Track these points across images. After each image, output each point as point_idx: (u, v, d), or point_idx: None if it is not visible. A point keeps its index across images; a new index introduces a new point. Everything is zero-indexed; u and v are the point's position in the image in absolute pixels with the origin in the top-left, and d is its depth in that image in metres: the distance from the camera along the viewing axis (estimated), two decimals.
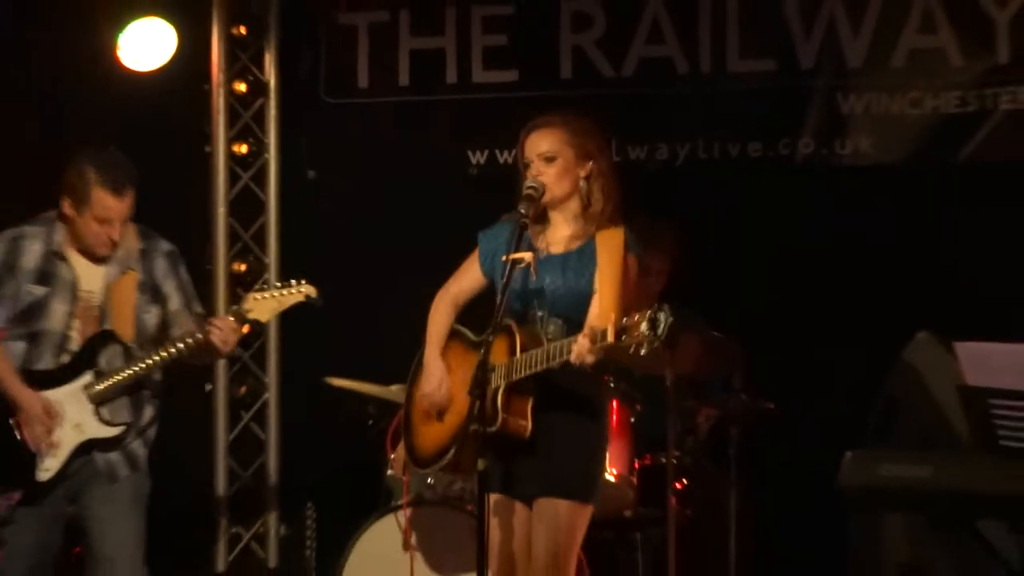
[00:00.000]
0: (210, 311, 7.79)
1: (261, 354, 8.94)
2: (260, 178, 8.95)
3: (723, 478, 7.42)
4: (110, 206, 6.31)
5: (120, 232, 6.42)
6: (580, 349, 5.46)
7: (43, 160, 6.89)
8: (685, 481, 7.41)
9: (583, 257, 5.88)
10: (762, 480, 7.52)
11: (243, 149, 8.90)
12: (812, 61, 8.12)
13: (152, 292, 6.54)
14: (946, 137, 7.97)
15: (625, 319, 5.37)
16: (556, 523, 5.79)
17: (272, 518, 8.93)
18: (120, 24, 8.47)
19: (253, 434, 8.98)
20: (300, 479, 8.99)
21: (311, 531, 8.80)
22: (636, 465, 7.20)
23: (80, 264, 6.45)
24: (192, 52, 8.69)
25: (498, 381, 5.73)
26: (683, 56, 8.28)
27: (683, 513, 7.26)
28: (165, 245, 6.63)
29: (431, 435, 6.09)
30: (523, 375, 5.66)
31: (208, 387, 8.85)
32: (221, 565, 8.90)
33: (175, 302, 6.58)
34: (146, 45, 8.53)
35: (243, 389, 8.91)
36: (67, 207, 6.36)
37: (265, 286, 7.50)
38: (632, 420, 7.18)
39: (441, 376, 6.01)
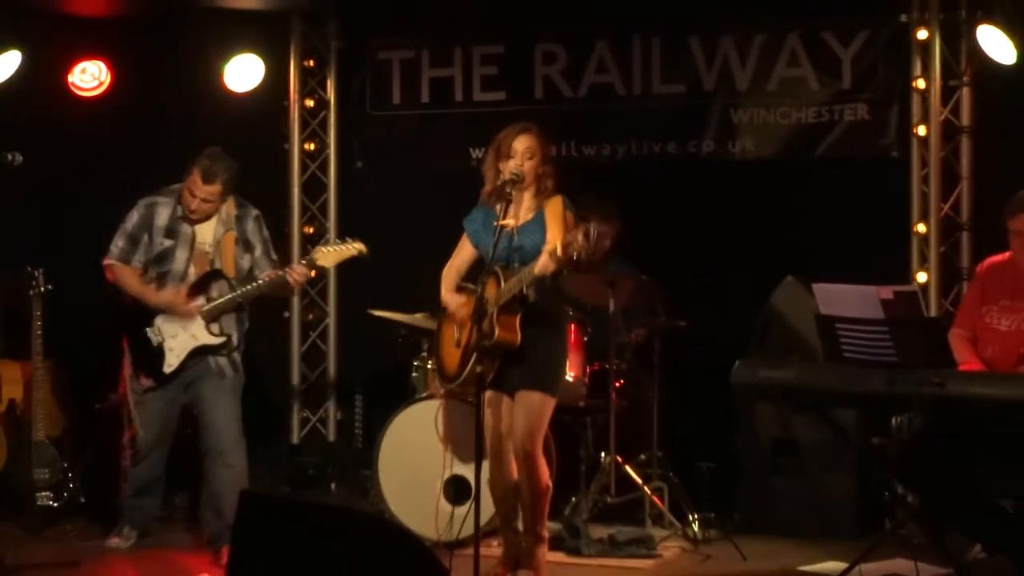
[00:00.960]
0: (287, 259, 8.58)
1: (324, 291, 9.68)
2: (323, 167, 9.69)
3: (648, 378, 7.96)
4: (198, 186, 7.10)
5: (217, 205, 7.19)
6: (543, 262, 6.11)
7: (176, 151, 7.67)
8: (622, 381, 7.88)
9: (538, 221, 6.47)
10: (676, 379, 7.93)
11: (311, 147, 9.67)
12: (712, 85, 8.77)
13: (244, 244, 7.29)
14: (806, 139, 8.63)
15: (568, 236, 6.03)
16: (531, 409, 6.40)
17: (331, 406, 9.72)
18: (226, 59, 9.03)
19: (318, 347, 9.73)
20: (351, 379, 9.63)
21: (359, 416, 9.52)
22: (588, 370, 7.77)
23: (197, 224, 7.24)
24: (276, 78, 9.34)
25: (492, 308, 6.27)
26: (621, 82, 8.93)
27: (620, 403, 7.76)
28: (253, 211, 7.37)
29: (452, 360, 6.58)
30: (508, 298, 6.25)
31: (286, 314, 9.58)
32: (295, 439, 9.64)
33: (259, 251, 7.32)
34: (243, 74, 9.10)
35: (311, 316, 9.71)
36: (185, 178, 7.13)
37: (328, 242, 8.24)
38: (585, 338, 7.67)
39: (459, 301, 6.55)
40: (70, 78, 9.34)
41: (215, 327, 7.25)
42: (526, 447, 6.46)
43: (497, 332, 6.31)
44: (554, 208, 6.51)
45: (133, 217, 7.30)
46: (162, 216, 7.29)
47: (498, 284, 6.37)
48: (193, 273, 7.25)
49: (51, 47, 9.13)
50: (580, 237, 5.98)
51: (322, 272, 8.34)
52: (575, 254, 6.04)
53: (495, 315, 6.33)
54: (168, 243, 7.27)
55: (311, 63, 9.62)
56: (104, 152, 9.02)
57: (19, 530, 7.63)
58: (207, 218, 7.25)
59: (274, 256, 7.42)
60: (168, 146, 7.64)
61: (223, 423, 7.28)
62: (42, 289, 7.83)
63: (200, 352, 7.24)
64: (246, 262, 7.33)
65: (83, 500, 8.04)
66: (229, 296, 7.21)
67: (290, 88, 9.57)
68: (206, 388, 7.29)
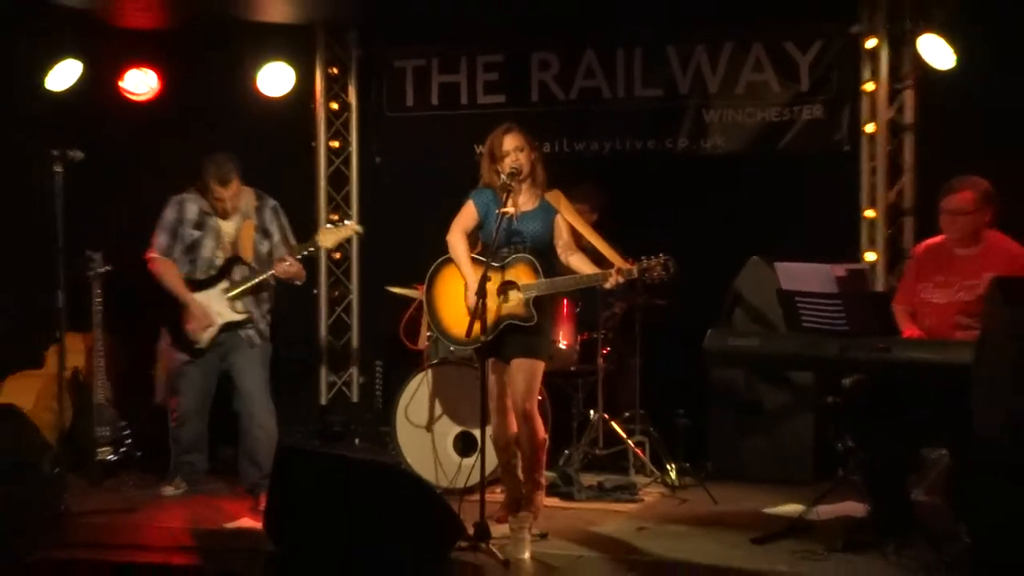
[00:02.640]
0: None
1: (348, 271, 9.61)
2: (346, 162, 9.61)
3: (631, 346, 7.96)
4: (218, 191, 7.22)
5: (240, 198, 7.27)
6: (614, 280, 6.29)
7: (217, 148, 7.43)
8: (608, 348, 7.90)
9: (539, 211, 6.54)
10: (655, 346, 7.92)
11: (336, 144, 9.60)
12: (687, 89, 8.72)
13: (263, 232, 7.35)
14: (769, 136, 8.58)
15: (644, 261, 6.22)
16: (528, 373, 6.48)
17: (355, 371, 9.63)
18: (258, 66, 9.03)
19: (343, 320, 9.66)
20: (372, 347, 9.54)
21: (379, 379, 9.32)
22: (579, 339, 7.81)
23: (221, 218, 7.33)
24: (304, 84, 9.31)
25: (530, 294, 6.38)
26: (607, 86, 8.88)
27: (607, 368, 7.85)
28: (271, 202, 7.40)
29: (460, 324, 6.43)
30: (550, 292, 6.37)
31: (315, 291, 9.48)
32: (324, 400, 9.61)
33: (277, 238, 7.40)
34: (275, 80, 9.09)
35: (336, 292, 9.63)
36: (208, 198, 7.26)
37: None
38: (576, 311, 7.77)
39: (477, 274, 6.35)
40: (123, 84, 9.33)
41: (239, 305, 7.33)
42: (525, 405, 6.51)
43: (536, 315, 6.44)
44: (564, 205, 6.60)
45: (169, 214, 7.37)
46: (191, 211, 7.37)
47: (536, 274, 6.45)
48: (219, 258, 7.32)
49: (106, 57, 9.12)
50: (659, 269, 6.24)
51: (338, 247, 8.61)
52: (653, 281, 6.32)
53: (531, 301, 6.43)
54: (197, 234, 7.36)
55: (335, 70, 9.59)
56: (153, 149, 8.98)
57: (82, 481, 7.62)
58: (236, 211, 7.32)
59: (292, 241, 7.44)
60: (210, 144, 7.44)
61: (253, 389, 7.35)
62: (100, 270, 7.88)
63: (226, 328, 7.32)
64: (265, 247, 7.39)
65: (138, 454, 8.09)
66: (249, 281, 7.28)
67: (316, 93, 9.55)
68: (239, 358, 7.37)
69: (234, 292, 7.30)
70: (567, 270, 6.60)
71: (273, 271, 7.25)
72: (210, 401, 7.53)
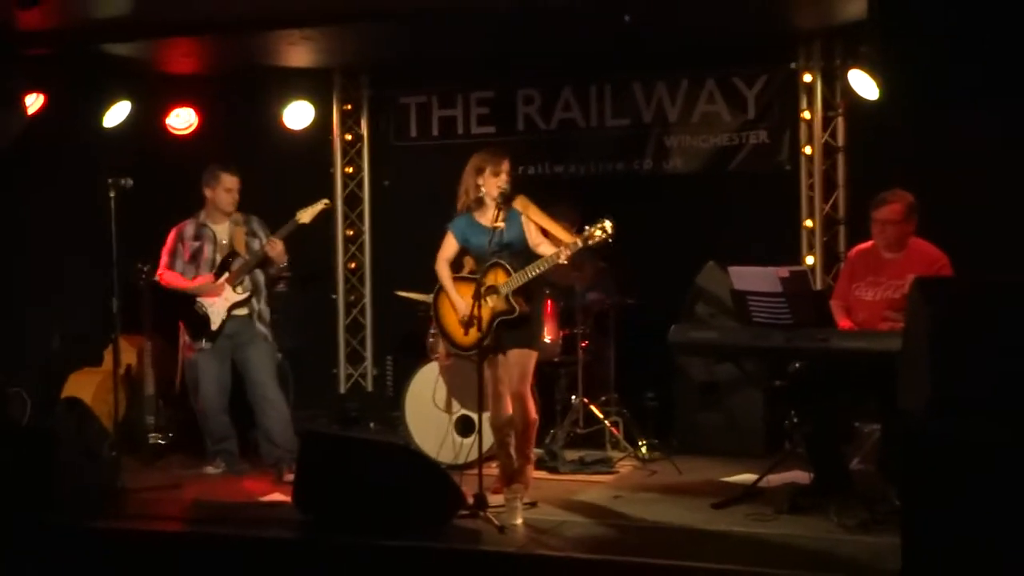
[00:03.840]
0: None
1: (361, 278, 9.54)
2: (359, 185, 9.57)
3: (606, 339, 7.98)
4: (229, 180, 7.34)
5: (236, 201, 7.37)
6: (565, 254, 6.17)
7: (248, 175, 7.59)
8: (586, 342, 7.87)
9: (512, 220, 6.41)
10: (627, 340, 7.94)
11: (350, 169, 9.56)
12: (650, 119, 8.69)
13: (252, 233, 7.40)
14: (721, 158, 8.55)
15: (586, 229, 6.11)
16: (522, 361, 6.44)
17: (369, 365, 9.57)
18: (284, 104, 9.06)
19: (358, 320, 9.60)
20: (384, 343, 9.50)
21: (390, 371, 9.37)
22: (561, 333, 7.78)
23: (215, 227, 7.40)
24: (322, 119, 9.30)
25: (506, 290, 6.31)
26: (582, 117, 8.86)
27: (585, 358, 7.83)
28: (255, 217, 7.46)
29: (461, 332, 6.52)
30: (524, 281, 6.27)
31: (333, 296, 9.51)
32: (342, 390, 9.55)
33: (263, 237, 7.34)
34: (298, 116, 9.10)
35: (352, 297, 9.57)
36: (208, 192, 7.35)
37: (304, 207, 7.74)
38: (559, 309, 7.76)
39: (464, 302, 6.47)
40: (167, 121, 9.32)
41: (240, 288, 7.34)
42: (520, 389, 6.47)
43: (519, 307, 6.37)
44: (528, 206, 6.50)
45: (169, 241, 7.49)
46: (188, 230, 7.47)
47: (508, 273, 6.37)
48: (219, 258, 7.38)
49: (152, 97, 9.10)
50: (599, 232, 6.09)
51: (353, 257, 8.71)
52: (598, 244, 6.16)
53: (512, 295, 6.36)
54: (196, 244, 7.42)
55: (349, 107, 9.59)
56: (193, 177, 8.59)
57: (135, 462, 7.62)
58: (231, 212, 7.38)
59: (273, 238, 7.39)
60: (243, 171, 7.49)
61: (266, 379, 7.35)
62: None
63: (233, 307, 7.32)
64: (256, 244, 7.41)
65: (184, 439, 8.06)
66: (245, 267, 7.31)
67: (333, 126, 9.55)
68: (252, 351, 7.36)
69: (231, 275, 7.34)
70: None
71: (267, 250, 7.26)
72: (228, 394, 7.48)
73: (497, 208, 6.38)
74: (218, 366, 7.39)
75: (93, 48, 8.18)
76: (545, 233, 6.50)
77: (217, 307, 7.34)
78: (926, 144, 7.56)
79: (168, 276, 7.44)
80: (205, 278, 7.33)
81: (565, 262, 6.27)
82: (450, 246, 6.67)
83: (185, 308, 7.38)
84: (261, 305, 7.44)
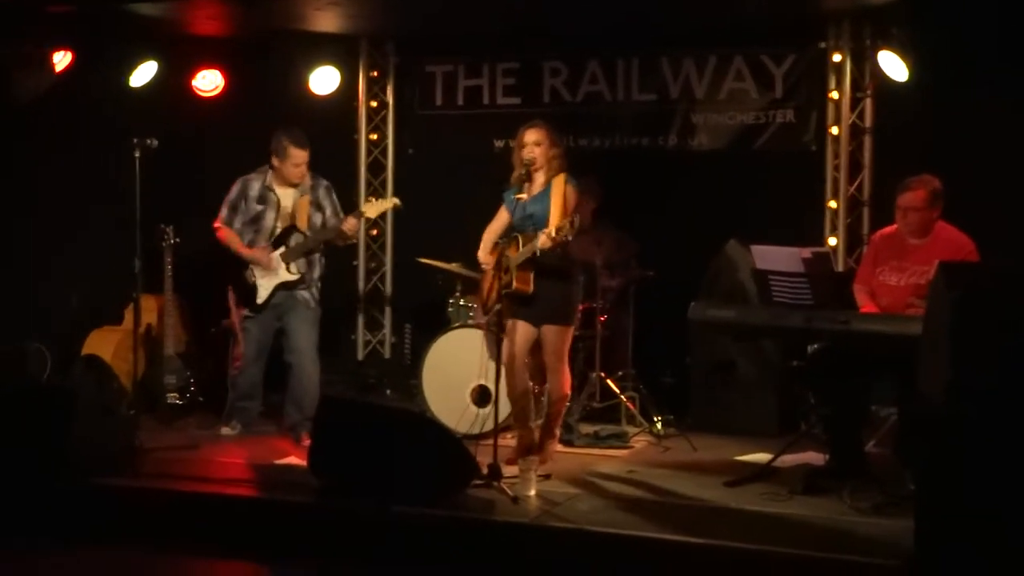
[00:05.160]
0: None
1: (383, 245, 9.66)
2: (383, 153, 9.61)
3: (625, 314, 8.02)
4: (298, 155, 7.25)
5: (304, 172, 7.30)
6: (542, 240, 6.15)
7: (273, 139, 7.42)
8: (605, 316, 7.85)
9: (544, 194, 6.47)
10: (646, 315, 7.97)
11: (374, 137, 9.59)
12: (677, 94, 8.70)
13: (317, 206, 7.35)
14: (747, 136, 8.56)
15: (559, 223, 6.09)
16: (556, 337, 6.49)
17: (387, 332, 9.69)
18: (310, 69, 8.99)
19: (378, 287, 9.71)
20: (403, 311, 9.59)
21: (408, 339, 9.44)
22: (580, 307, 7.41)
23: (281, 192, 7.33)
24: (348, 85, 9.27)
25: (512, 265, 6.41)
26: (609, 91, 8.87)
27: (604, 333, 7.79)
28: (324, 181, 7.41)
29: (487, 299, 6.74)
30: (522, 259, 6.32)
31: (355, 263, 9.57)
32: (360, 356, 9.65)
33: (329, 211, 7.36)
34: (324, 81, 9.05)
35: (373, 264, 9.66)
36: (275, 161, 7.25)
37: (371, 198, 8.15)
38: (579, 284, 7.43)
39: (491, 259, 6.66)
40: (193, 83, 9.34)
41: (293, 267, 7.30)
42: (554, 364, 6.51)
43: (514, 284, 6.39)
44: (557, 186, 6.49)
45: (233, 191, 7.39)
46: (254, 188, 7.37)
47: (517, 248, 6.42)
48: (279, 228, 7.33)
49: (179, 58, 9.12)
50: (568, 225, 6.02)
51: (375, 224, 8.86)
52: (565, 237, 6.08)
53: (513, 271, 6.39)
54: (260, 207, 7.36)
55: (375, 74, 9.59)
56: (218, 139, 8.97)
57: (153, 422, 7.66)
58: (300, 183, 7.30)
59: (341, 216, 7.42)
60: (267, 135, 7.45)
61: (305, 346, 7.35)
62: (171, 241, 7.87)
63: (281, 288, 7.31)
64: (318, 219, 7.37)
65: (201, 400, 8.12)
66: (301, 242, 7.27)
67: (359, 93, 9.55)
68: (294, 318, 7.34)
69: (286, 252, 7.32)
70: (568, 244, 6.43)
71: (336, 232, 7.26)
72: (267, 354, 7.49)
73: (520, 180, 6.44)
74: (260, 332, 7.42)
75: (121, 7, 8.16)
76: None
77: (266, 281, 7.33)
78: (954, 127, 7.52)
79: (225, 233, 7.38)
80: (263, 251, 7.29)
81: (543, 248, 6.22)
82: (499, 217, 6.73)
83: (235, 273, 7.38)
84: (314, 289, 7.42)
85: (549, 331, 6.51)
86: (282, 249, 7.31)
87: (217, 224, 7.40)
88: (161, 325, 8.15)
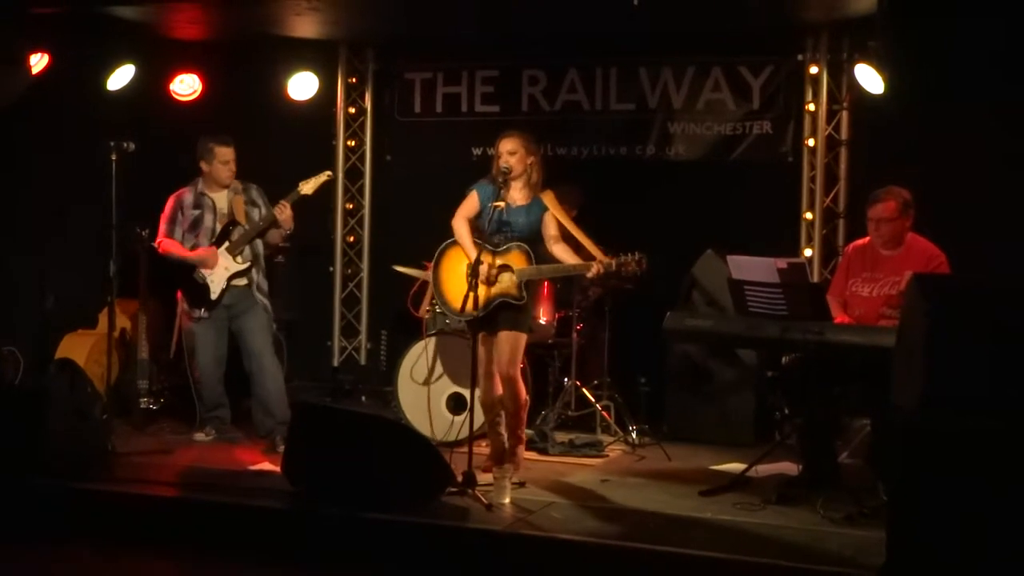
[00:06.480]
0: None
1: (360, 252, 9.57)
2: (361, 159, 9.55)
3: (601, 323, 7.92)
4: (224, 152, 7.31)
5: (234, 172, 7.34)
6: (595, 270, 6.14)
7: (252, 144, 7.59)
8: (581, 325, 7.90)
9: (532, 208, 6.41)
10: (622, 324, 7.89)
11: (352, 143, 9.54)
12: (655, 104, 8.67)
13: (251, 203, 7.41)
14: (724, 147, 8.55)
15: (622, 257, 6.09)
16: (512, 344, 6.43)
17: (363, 339, 9.62)
18: (288, 74, 9.04)
19: (354, 294, 9.63)
20: (379, 318, 9.55)
21: (384, 346, 9.46)
22: (556, 316, 7.87)
23: (214, 196, 7.38)
24: (327, 91, 9.30)
25: (522, 278, 6.28)
26: (587, 100, 8.84)
27: (580, 341, 7.86)
28: (253, 184, 7.44)
29: (460, 299, 6.16)
30: (540, 278, 6.32)
31: (331, 269, 9.51)
32: (336, 362, 9.57)
33: (263, 207, 7.36)
34: (302, 87, 9.09)
35: (349, 270, 9.59)
36: (204, 166, 7.33)
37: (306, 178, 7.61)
38: (556, 291, 7.84)
39: (487, 258, 6.31)
40: (171, 86, 9.31)
41: (239, 258, 7.33)
42: (509, 371, 6.46)
43: (526, 296, 6.35)
44: (554, 204, 6.47)
45: (168, 208, 7.46)
46: (188, 198, 7.44)
47: (529, 260, 6.33)
48: (218, 227, 7.37)
49: (157, 62, 9.07)
50: (634, 265, 6.08)
51: (352, 231, 8.60)
52: (627, 274, 6.18)
53: (523, 284, 6.33)
54: (196, 212, 7.41)
55: (354, 80, 9.56)
56: (195, 143, 8.68)
57: (126, 426, 7.62)
58: (231, 183, 7.36)
59: (272, 209, 7.38)
60: (245, 140, 7.50)
61: (263, 349, 7.34)
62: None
63: (233, 276, 7.31)
64: (256, 214, 7.43)
65: (175, 405, 8.05)
66: (243, 233, 7.30)
67: (337, 99, 9.53)
68: (249, 319, 7.34)
69: (233, 247, 7.33)
70: (552, 259, 6.48)
71: (276, 214, 7.20)
72: (224, 363, 7.48)
73: (497, 187, 6.34)
74: (215, 335, 7.39)
75: (99, 10, 8.14)
76: (566, 238, 6.49)
77: (216, 277, 7.32)
78: (930, 140, 7.53)
79: (167, 244, 7.40)
80: (206, 250, 7.31)
81: (592, 277, 6.28)
82: (471, 204, 6.53)
83: (184, 276, 7.36)
84: (260, 276, 7.42)
85: (508, 337, 6.44)
86: (226, 244, 7.34)
87: (159, 240, 7.43)
88: (135, 329, 8.09)
